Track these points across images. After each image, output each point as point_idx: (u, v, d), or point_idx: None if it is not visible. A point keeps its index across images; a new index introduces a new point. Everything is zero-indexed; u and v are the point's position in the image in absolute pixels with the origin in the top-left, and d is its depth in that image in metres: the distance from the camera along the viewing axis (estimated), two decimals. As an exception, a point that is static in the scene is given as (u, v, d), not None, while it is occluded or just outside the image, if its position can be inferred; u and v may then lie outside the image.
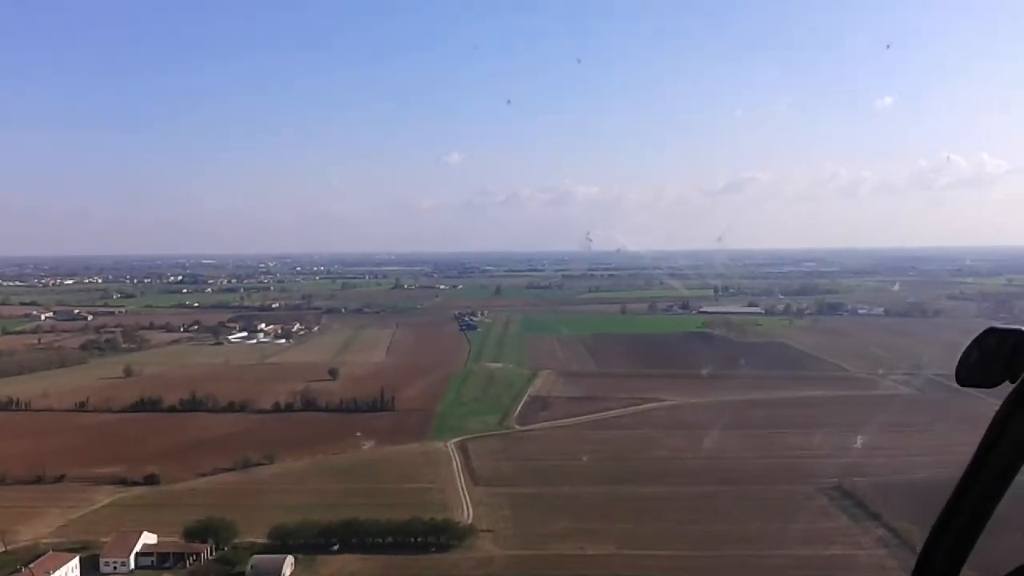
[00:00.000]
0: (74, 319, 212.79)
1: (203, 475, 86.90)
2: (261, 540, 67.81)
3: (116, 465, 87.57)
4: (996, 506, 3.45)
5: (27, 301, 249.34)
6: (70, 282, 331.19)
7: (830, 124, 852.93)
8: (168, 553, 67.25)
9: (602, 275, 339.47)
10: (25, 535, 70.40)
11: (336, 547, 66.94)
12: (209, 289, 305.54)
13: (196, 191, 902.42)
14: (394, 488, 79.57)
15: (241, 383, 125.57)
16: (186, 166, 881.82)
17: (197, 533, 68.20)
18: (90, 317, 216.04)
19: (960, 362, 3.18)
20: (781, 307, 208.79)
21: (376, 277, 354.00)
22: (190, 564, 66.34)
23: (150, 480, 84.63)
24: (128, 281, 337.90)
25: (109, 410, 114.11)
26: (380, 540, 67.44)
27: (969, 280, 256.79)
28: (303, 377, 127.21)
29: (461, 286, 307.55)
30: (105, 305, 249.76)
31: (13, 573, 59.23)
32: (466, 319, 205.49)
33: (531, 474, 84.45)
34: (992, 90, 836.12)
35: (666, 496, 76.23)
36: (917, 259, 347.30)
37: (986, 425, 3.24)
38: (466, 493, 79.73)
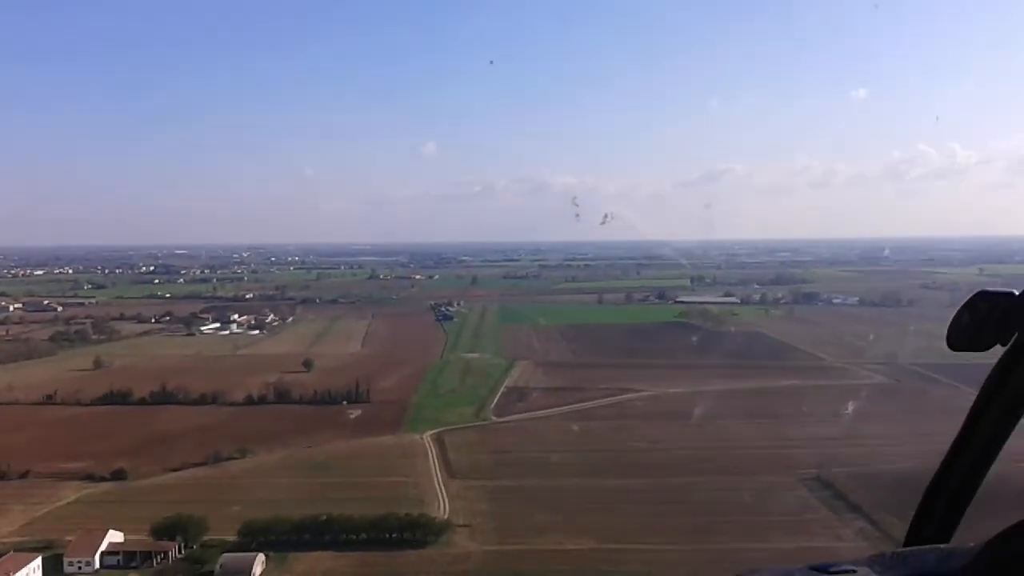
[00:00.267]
0: (43, 310, 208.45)
1: (173, 470, 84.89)
2: (231, 537, 66.05)
3: (83, 460, 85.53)
4: (988, 470, 3.54)
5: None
6: (40, 273, 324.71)
7: (805, 116, 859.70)
8: (135, 552, 65.31)
9: (578, 265, 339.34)
10: (-14, 534, 68.28)
11: (308, 544, 65.43)
12: (182, 280, 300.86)
13: (169, 181, 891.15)
14: (368, 482, 78.07)
15: (213, 375, 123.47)
16: (159, 156, 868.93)
17: (165, 531, 66.31)
18: (60, 308, 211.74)
19: (951, 327, 3.15)
20: (757, 296, 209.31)
21: (351, 267, 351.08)
22: (157, 563, 64.45)
23: (118, 475, 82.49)
24: (99, 272, 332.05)
25: (78, 403, 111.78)
26: (354, 536, 65.89)
27: (942, 270, 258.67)
28: (276, 368, 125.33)
29: (437, 276, 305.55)
30: (75, 296, 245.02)
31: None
32: (442, 309, 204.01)
33: (508, 467, 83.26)
34: (964, 82, 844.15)
35: (645, 488, 75.33)
36: (890, 248, 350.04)
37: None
38: (442, 487, 78.44)
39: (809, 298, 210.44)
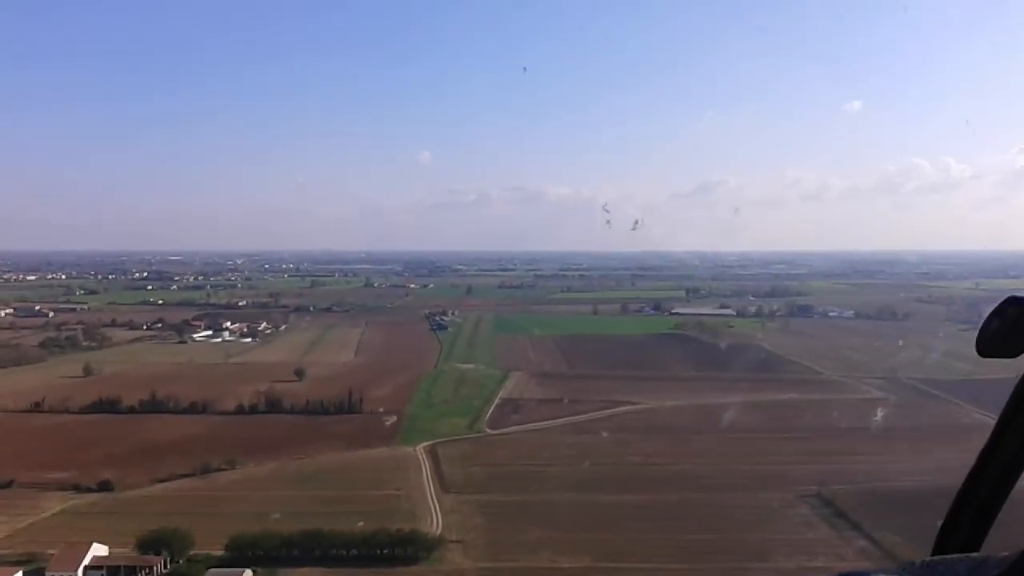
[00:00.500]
0: (35, 315, 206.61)
1: (161, 481, 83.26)
2: (218, 552, 64.44)
3: (70, 470, 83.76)
4: (1018, 478, 3.49)
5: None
6: (32, 278, 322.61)
7: (800, 128, 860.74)
8: (119, 566, 63.59)
9: (573, 275, 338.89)
10: (-33, 547, 66.60)
11: (297, 559, 63.91)
12: (175, 286, 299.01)
13: (163, 187, 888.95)
14: (360, 495, 76.56)
15: (204, 383, 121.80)
16: (154, 161, 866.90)
17: (151, 544, 64.66)
18: (51, 314, 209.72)
19: (980, 333, 3.11)
20: (753, 309, 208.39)
21: (346, 275, 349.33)
22: (142, 578, 63.03)
23: (104, 486, 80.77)
24: (92, 277, 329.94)
25: (66, 411, 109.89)
26: (344, 552, 64.35)
27: (937, 284, 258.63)
28: (268, 377, 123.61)
29: (432, 285, 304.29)
30: (68, 301, 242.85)
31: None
32: (437, 318, 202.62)
33: (503, 480, 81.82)
34: (958, 95, 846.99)
35: (642, 504, 74.04)
36: (885, 262, 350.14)
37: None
38: (435, 501, 76.93)
39: (805, 311, 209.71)
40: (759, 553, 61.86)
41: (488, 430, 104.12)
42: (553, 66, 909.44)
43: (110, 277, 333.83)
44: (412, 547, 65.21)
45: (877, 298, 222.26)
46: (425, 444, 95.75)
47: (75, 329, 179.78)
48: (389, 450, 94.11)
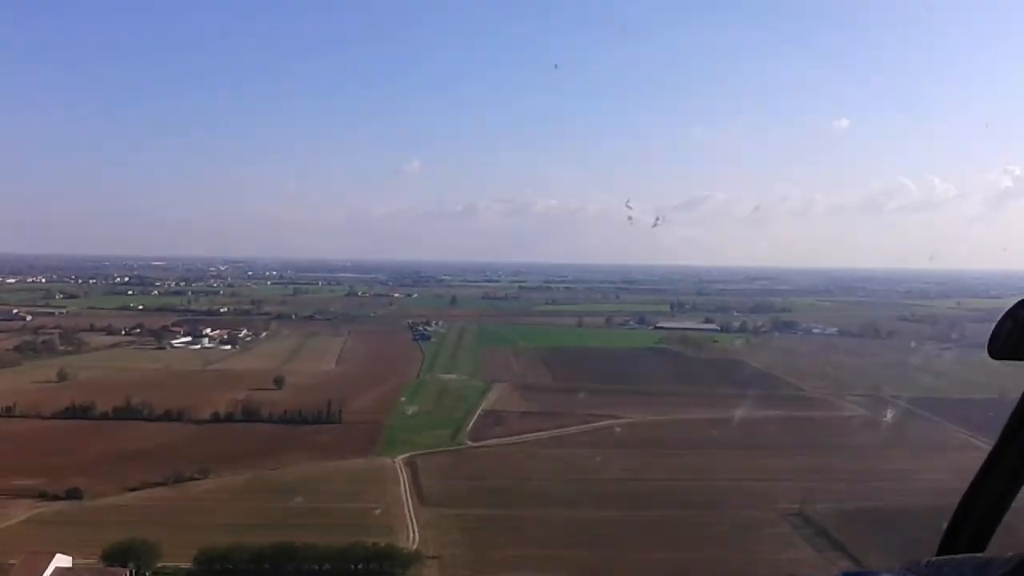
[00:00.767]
0: (11, 319, 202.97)
1: (131, 489, 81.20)
2: (186, 564, 62.57)
3: (37, 477, 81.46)
4: None
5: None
6: (12, 281, 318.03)
7: (786, 144, 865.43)
8: (83, 578, 61.87)
9: (558, 288, 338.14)
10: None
11: (268, 574, 62.13)
12: (156, 292, 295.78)
13: (148, 191, 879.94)
14: (336, 508, 74.89)
15: (180, 390, 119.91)
16: (139, 166, 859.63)
17: (117, 555, 62.60)
18: (29, 317, 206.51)
19: (992, 336, 3.18)
20: (737, 324, 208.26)
21: (329, 284, 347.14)
22: (107, 591, 61.08)
23: (72, 494, 78.71)
24: (73, 281, 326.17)
25: (37, 416, 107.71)
26: (317, 566, 62.55)
27: (919, 302, 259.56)
28: (246, 385, 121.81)
29: (416, 295, 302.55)
30: (47, 305, 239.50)
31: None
32: (420, 328, 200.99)
33: (483, 494, 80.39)
34: (944, 114, 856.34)
35: (623, 520, 72.72)
36: (867, 279, 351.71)
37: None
38: (413, 515, 75.30)
39: (788, 327, 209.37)
40: (739, 573, 60.74)
41: (469, 442, 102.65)
42: (542, 79, 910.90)
43: (91, 282, 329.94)
44: (388, 562, 63.40)
45: (860, 315, 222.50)
46: (404, 456, 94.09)
47: (52, 333, 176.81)
48: (367, 461, 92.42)
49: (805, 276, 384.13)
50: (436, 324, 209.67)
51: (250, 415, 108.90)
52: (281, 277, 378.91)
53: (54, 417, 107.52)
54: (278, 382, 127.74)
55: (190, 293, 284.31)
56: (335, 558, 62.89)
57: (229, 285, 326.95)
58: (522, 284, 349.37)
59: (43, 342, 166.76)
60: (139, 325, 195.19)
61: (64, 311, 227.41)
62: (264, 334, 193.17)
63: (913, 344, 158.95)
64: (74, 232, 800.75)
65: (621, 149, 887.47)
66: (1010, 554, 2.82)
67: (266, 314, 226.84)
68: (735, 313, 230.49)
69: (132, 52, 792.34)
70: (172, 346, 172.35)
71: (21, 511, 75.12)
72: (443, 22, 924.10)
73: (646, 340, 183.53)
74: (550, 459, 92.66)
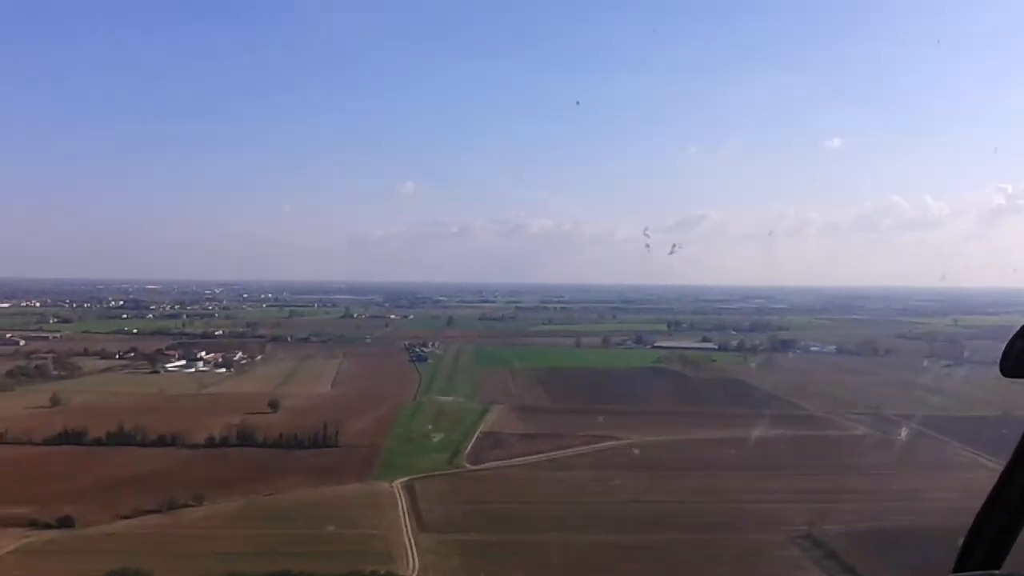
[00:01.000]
0: (5, 344, 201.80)
1: (124, 517, 79.30)
2: (179, 595, 61.28)
3: (29, 505, 79.55)
4: None
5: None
6: (6, 305, 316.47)
7: (781, 164, 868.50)
8: (74, 609, 60.27)
9: (555, 308, 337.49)
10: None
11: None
12: (151, 315, 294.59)
13: (143, 215, 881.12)
14: (333, 534, 73.11)
15: (174, 415, 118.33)
16: (133, 190, 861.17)
17: (109, 586, 61.28)
18: (22, 342, 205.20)
19: (1005, 353, 3.22)
20: (735, 343, 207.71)
21: (325, 306, 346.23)
22: (98, 622, 59.44)
23: (64, 523, 76.82)
24: (67, 305, 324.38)
25: (29, 442, 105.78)
26: (315, 595, 61.34)
27: (916, 320, 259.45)
28: (241, 409, 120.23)
29: (412, 316, 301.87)
30: (40, 330, 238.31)
31: None
32: (416, 350, 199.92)
33: (482, 519, 78.75)
34: (936, 133, 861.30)
35: (627, 544, 71.16)
36: (863, 298, 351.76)
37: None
38: (412, 541, 73.64)
39: (786, 345, 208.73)
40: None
41: (468, 465, 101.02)
42: (538, 100, 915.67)
43: (85, 306, 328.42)
44: (386, 590, 62.11)
45: (858, 334, 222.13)
46: (402, 480, 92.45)
47: (46, 358, 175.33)
48: (365, 486, 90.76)
49: (801, 295, 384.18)
50: (433, 345, 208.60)
51: (245, 439, 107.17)
52: (277, 300, 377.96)
53: (46, 443, 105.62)
54: (273, 405, 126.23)
55: (185, 316, 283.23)
56: (333, 586, 61.42)
57: (224, 308, 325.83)
58: (518, 304, 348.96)
59: (36, 367, 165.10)
60: (133, 349, 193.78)
61: (58, 335, 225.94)
62: (259, 357, 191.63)
63: (919, 362, 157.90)
64: (69, 256, 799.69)
65: (616, 170, 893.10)
66: None
67: (261, 337, 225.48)
68: (732, 332, 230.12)
69: (129, 75, 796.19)
70: (166, 370, 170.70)
71: (11, 541, 73.24)
72: (439, 46, 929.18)
73: (644, 359, 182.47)
74: (550, 482, 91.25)
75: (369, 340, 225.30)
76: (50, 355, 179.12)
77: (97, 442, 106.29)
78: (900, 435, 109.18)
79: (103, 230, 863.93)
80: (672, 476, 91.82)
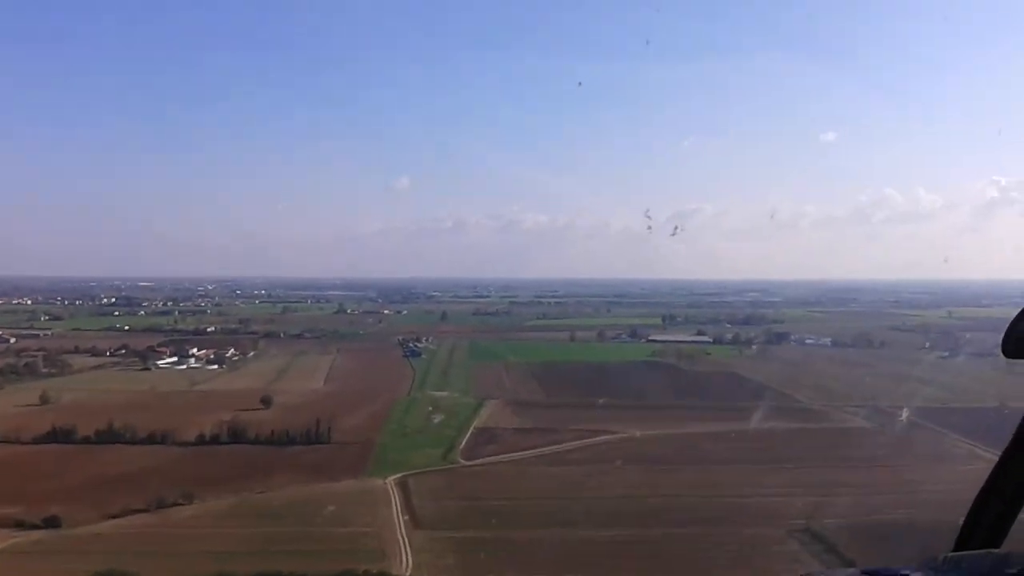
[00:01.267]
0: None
1: (112, 516, 78.13)
2: (168, 596, 60.13)
3: (15, 505, 78.19)
4: None
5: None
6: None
7: (775, 157, 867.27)
8: (59, 611, 59.09)
9: (549, 302, 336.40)
10: None
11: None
12: (143, 312, 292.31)
13: (134, 211, 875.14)
14: (325, 532, 72.17)
15: (165, 412, 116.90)
16: (125, 186, 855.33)
17: (95, 587, 60.10)
18: (12, 340, 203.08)
19: (1007, 334, 3.27)
20: (729, 336, 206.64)
21: (319, 301, 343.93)
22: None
23: (51, 523, 75.64)
24: (59, 303, 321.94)
25: (17, 441, 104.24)
26: (306, 595, 60.22)
27: (910, 312, 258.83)
28: (233, 406, 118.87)
29: (406, 312, 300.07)
30: (31, 327, 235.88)
31: None
32: (410, 345, 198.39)
33: (477, 516, 77.70)
34: (930, 127, 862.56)
35: (625, 540, 70.20)
36: (857, 290, 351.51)
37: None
38: (406, 538, 72.59)
39: (781, 338, 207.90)
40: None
41: (462, 461, 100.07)
42: (531, 94, 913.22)
43: (77, 303, 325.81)
44: (380, 589, 61.06)
45: (853, 326, 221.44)
46: (396, 476, 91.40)
47: (36, 355, 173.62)
48: (358, 482, 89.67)
49: (795, 288, 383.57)
50: (427, 340, 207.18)
51: (236, 436, 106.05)
52: (270, 296, 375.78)
53: (35, 442, 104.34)
54: (266, 402, 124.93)
55: (177, 313, 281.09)
56: (325, 586, 60.34)
57: (217, 304, 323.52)
58: (513, 299, 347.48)
59: (25, 364, 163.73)
60: (124, 346, 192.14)
61: (49, 333, 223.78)
62: (252, 353, 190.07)
63: (914, 354, 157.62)
64: (61, 253, 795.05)
65: (609, 164, 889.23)
66: None
67: (254, 333, 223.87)
68: (727, 325, 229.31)
69: (118, 69, 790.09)
70: (157, 367, 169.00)
71: (-4, 541, 72.16)
72: (432, 39, 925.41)
73: (639, 353, 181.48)
74: (546, 477, 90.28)
75: (363, 335, 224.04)
76: (40, 353, 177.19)
77: (86, 440, 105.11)
78: (897, 427, 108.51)
79: (95, 227, 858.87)
80: (668, 470, 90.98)
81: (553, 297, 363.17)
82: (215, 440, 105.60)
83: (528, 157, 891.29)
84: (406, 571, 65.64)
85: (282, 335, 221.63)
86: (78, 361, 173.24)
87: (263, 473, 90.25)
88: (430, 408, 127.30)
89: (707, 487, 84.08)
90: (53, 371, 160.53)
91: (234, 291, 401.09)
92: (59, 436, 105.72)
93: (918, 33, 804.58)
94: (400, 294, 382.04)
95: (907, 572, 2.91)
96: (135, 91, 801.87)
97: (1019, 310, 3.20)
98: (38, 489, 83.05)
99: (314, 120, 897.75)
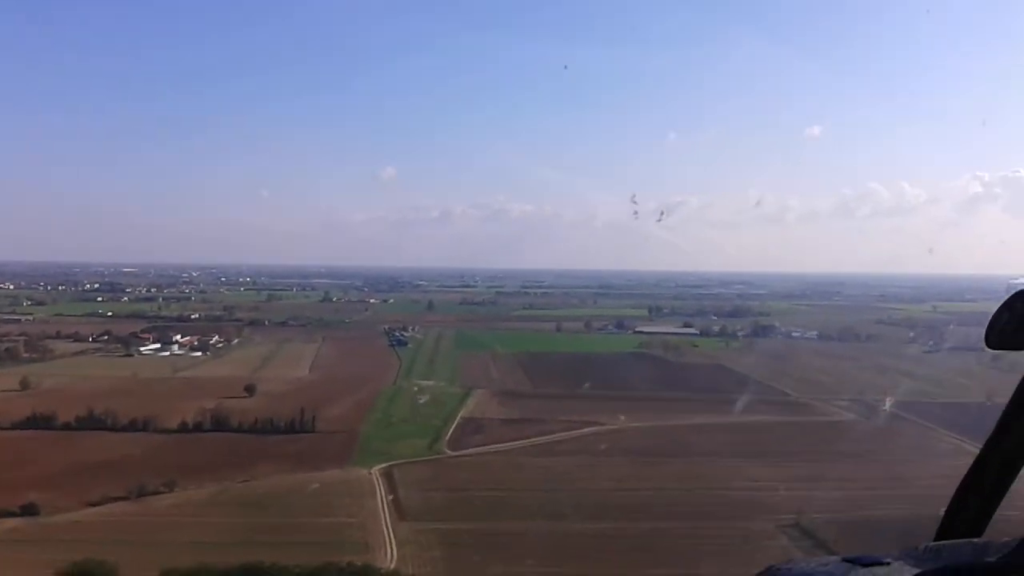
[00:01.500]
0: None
1: (91, 504, 76.99)
2: (146, 587, 58.82)
3: (-8, 492, 77.17)
4: (1022, 466, 3.65)
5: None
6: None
7: (760, 151, 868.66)
8: (34, 602, 57.79)
9: (536, 293, 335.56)
10: None
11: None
12: (126, 298, 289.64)
13: (119, 197, 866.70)
14: (308, 523, 71.06)
15: (147, 399, 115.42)
16: (109, 172, 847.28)
17: (71, 578, 58.67)
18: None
19: (990, 326, 3.29)
20: (716, 328, 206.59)
21: (304, 290, 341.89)
22: (59, 616, 56.83)
23: (28, 510, 74.33)
24: (41, 288, 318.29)
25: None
26: (288, 588, 59.01)
27: (895, 306, 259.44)
28: (216, 393, 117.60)
29: (392, 300, 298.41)
30: (13, 312, 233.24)
31: None
32: (396, 334, 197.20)
33: (463, 507, 76.92)
34: (914, 121, 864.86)
35: (612, 533, 69.59)
36: (841, 284, 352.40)
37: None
38: (390, 530, 71.60)
39: (767, 331, 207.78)
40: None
41: (448, 451, 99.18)
42: (517, 84, 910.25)
43: (60, 288, 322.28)
44: (364, 582, 59.97)
45: (838, 320, 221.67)
46: (381, 466, 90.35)
47: (17, 341, 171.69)
48: (342, 472, 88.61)
49: (780, 281, 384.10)
50: (413, 330, 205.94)
51: (219, 424, 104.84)
52: (255, 283, 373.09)
53: (13, 428, 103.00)
54: (249, 390, 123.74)
55: (161, 299, 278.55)
56: (308, 578, 59.16)
57: (201, 291, 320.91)
58: (499, 289, 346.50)
59: (6, 350, 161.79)
60: (107, 332, 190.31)
61: (31, 318, 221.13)
62: (236, 340, 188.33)
63: (900, 348, 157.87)
64: (44, 238, 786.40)
65: (595, 155, 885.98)
66: (1007, 539, 2.91)
67: (238, 320, 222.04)
68: (713, 317, 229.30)
69: (103, 54, 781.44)
70: (140, 353, 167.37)
71: (-29, 530, 70.71)
72: (417, 28, 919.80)
73: (625, 344, 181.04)
74: (533, 468, 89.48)
75: (348, 324, 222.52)
76: (22, 338, 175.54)
77: (67, 427, 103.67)
78: (884, 421, 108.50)
79: (78, 212, 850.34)
80: (656, 462, 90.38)
81: (540, 287, 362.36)
82: (198, 428, 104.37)
83: (514, 146, 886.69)
84: (390, 563, 64.69)
85: (267, 323, 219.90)
86: (60, 347, 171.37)
87: (246, 462, 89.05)
88: (416, 398, 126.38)
89: (695, 479, 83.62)
90: (34, 356, 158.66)
91: (219, 278, 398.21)
92: (39, 422, 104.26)
93: (903, 27, 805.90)
94: (386, 283, 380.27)
95: (888, 560, 2.86)
96: (120, 77, 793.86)
97: (999, 306, 3.15)
98: (16, 476, 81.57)
99: (300, 108, 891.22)
